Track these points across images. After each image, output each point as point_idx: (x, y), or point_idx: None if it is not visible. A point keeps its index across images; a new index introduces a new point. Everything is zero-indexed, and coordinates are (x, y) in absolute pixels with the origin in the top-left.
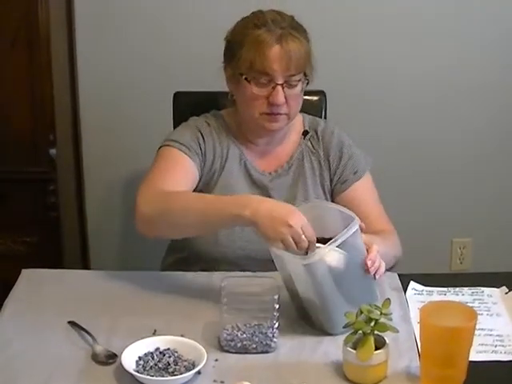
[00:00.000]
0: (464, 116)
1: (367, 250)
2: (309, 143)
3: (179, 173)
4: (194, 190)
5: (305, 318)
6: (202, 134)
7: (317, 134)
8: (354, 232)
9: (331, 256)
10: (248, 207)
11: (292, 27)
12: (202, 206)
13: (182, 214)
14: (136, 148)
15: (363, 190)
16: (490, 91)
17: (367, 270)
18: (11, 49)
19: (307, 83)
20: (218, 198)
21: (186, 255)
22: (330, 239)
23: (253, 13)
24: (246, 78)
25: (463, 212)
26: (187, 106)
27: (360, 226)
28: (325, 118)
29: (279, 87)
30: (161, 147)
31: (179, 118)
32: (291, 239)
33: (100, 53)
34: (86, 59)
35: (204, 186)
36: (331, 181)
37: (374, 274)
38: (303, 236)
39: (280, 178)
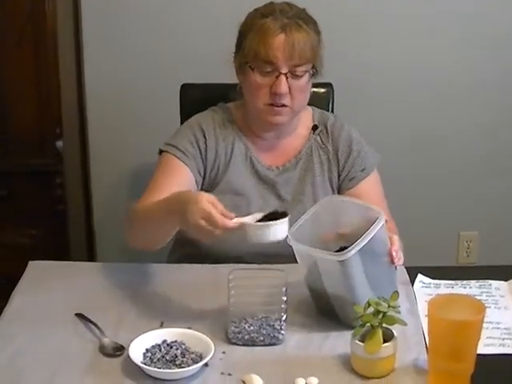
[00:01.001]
0: (472, 110)
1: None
2: (318, 138)
3: (172, 185)
4: (200, 190)
5: (328, 313)
6: (203, 132)
7: (326, 128)
8: (381, 226)
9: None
10: (174, 208)
11: (299, 17)
12: (155, 208)
13: (146, 218)
14: (142, 140)
15: (370, 187)
16: (498, 85)
17: (392, 261)
18: (19, 44)
19: (312, 75)
20: (164, 200)
21: (192, 251)
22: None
23: (264, 4)
24: (250, 66)
25: (470, 205)
26: (194, 98)
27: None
28: (332, 110)
29: (282, 76)
30: (161, 152)
31: (186, 110)
32: (208, 227)
33: (106, 47)
34: (92, 53)
35: (208, 184)
36: (339, 176)
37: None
38: (206, 226)
39: (288, 173)
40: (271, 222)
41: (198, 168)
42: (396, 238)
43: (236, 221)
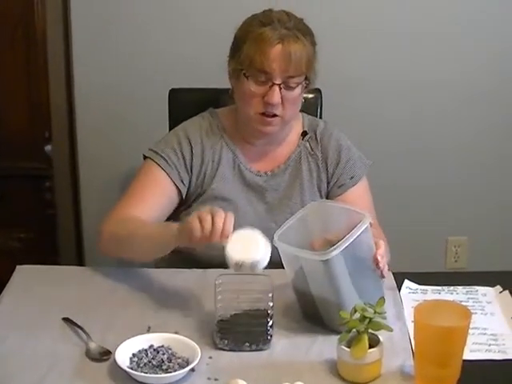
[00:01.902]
0: (460, 114)
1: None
2: (307, 144)
3: (151, 195)
4: (185, 198)
5: (313, 317)
6: (189, 140)
7: (316, 135)
8: (365, 228)
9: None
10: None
11: (298, 29)
12: (142, 230)
13: (129, 239)
14: (131, 145)
15: (358, 195)
16: (487, 88)
17: (377, 265)
18: (9, 48)
19: (306, 87)
20: (154, 225)
21: (180, 257)
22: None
23: (263, 11)
24: (244, 74)
25: (459, 210)
26: (183, 102)
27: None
28: (320, 116)
29: (276, 87)
30: (145, 158)
31: (175, 115)
32: (205, 233)
33: (95, 51)
34: (81, 58)
35: (195, 191)
36: (328, 184)
37: (382, 271)
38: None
39: (276, 179)
40: (247, 260)
41: (180, 177)
42: (382, 243)
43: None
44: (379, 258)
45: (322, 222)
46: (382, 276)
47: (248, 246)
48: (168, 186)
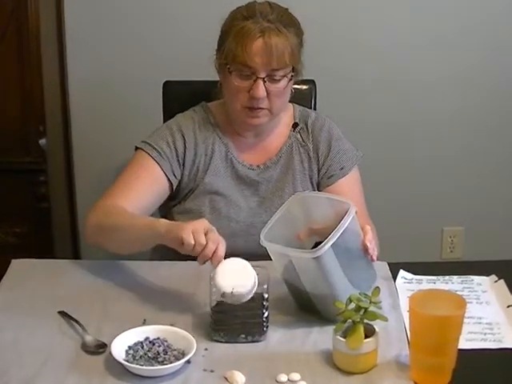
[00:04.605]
0: (455, 105)
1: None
2: (298, 136)
3: (142, 184)
4: (176, 191)
5: (308, 309)
6: (182, 133)
7: (307, 126)
8: (352, 217)
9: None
10: (160, 230)
11: (280, 21)
12: (128, 223)
13: (114, 231)
14: (126, 138)
15: (348, 186)
16: (481, 78)
17: (366, 251)
18: (1, 43)
19: (291, 78)
20: (140, 220)
21: (175, 251)
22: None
23: (247, 3)
24: (229, 69)
25: (454, 201)
26: (177, 95)
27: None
28: (314, 107)
29: (260, 81)
30: (136, 148)
31: (169, 107)
32: (196, 251)
33: (89, 44)
34: (75, 51)
35: (187, 185)
36: (318, 173)
37: (372, 256)
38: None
39: (268, 171)
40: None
41: (172, 170)
42: (368, 228)
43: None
44: (368, 244)
45: (305, 213)
46: (373, 259)
47: (236, 277)
48: (159, 178)
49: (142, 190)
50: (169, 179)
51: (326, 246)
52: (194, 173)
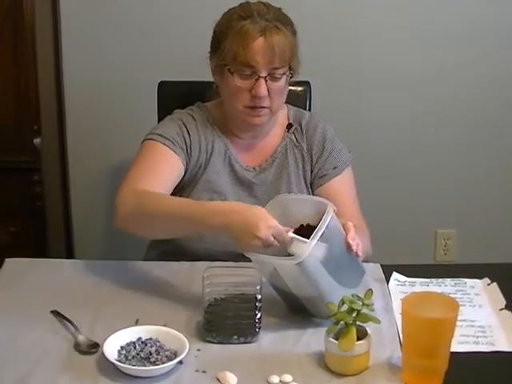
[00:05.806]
0: (449, 107)
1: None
2: (293, 136)
3: (162, 169)
4: (178, 185)
5: (300, 310)
6: (186, 128)
7: (301, 126)
8: (331, 217)
9: (317, 250)
10: (219, 217)
11: (277, 19)
12: (175, 210)
13: (157, 217)
14: (120, 137)
15: (341, 186)
16: (478, 78)
17: (350, 248)
18: None
19: (291, 77)
20: (191, 204)
21: (170, 249)
22: (308, 226)
23: (240, 4)
24: (229, 70)
25: (448, 203)
26: (172, 95)
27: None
28: (309, 108)
29: (262, 80)
30: (144, 140)
31: (164, 108)
32: (262, 248)
33: (85, 43)
34: (71, 50)
35: (188, 180)
36: (311, 174)
37: (356, 252)
38: (274, 241)
39: (264, 173)
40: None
41: (185, 160)
42: (350, 224)
43: (290, 235)
44: (350, 241)
45: (284, 216)
46: (358, 255)
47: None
48: (177, 165)
49: (163, 174)
50: (183, 165)
51: (307, 251)
52: (197, 168)
